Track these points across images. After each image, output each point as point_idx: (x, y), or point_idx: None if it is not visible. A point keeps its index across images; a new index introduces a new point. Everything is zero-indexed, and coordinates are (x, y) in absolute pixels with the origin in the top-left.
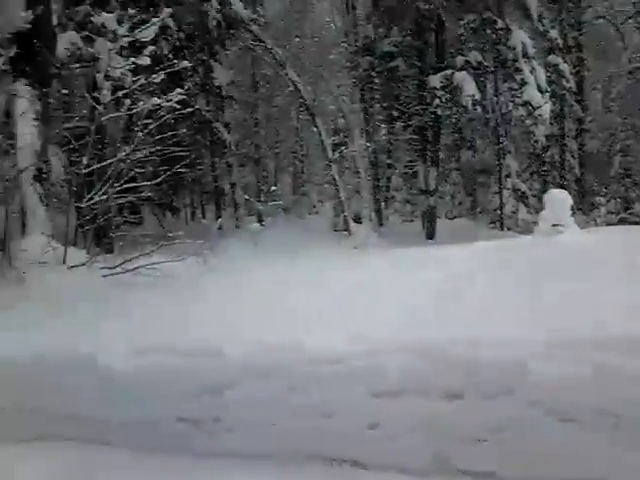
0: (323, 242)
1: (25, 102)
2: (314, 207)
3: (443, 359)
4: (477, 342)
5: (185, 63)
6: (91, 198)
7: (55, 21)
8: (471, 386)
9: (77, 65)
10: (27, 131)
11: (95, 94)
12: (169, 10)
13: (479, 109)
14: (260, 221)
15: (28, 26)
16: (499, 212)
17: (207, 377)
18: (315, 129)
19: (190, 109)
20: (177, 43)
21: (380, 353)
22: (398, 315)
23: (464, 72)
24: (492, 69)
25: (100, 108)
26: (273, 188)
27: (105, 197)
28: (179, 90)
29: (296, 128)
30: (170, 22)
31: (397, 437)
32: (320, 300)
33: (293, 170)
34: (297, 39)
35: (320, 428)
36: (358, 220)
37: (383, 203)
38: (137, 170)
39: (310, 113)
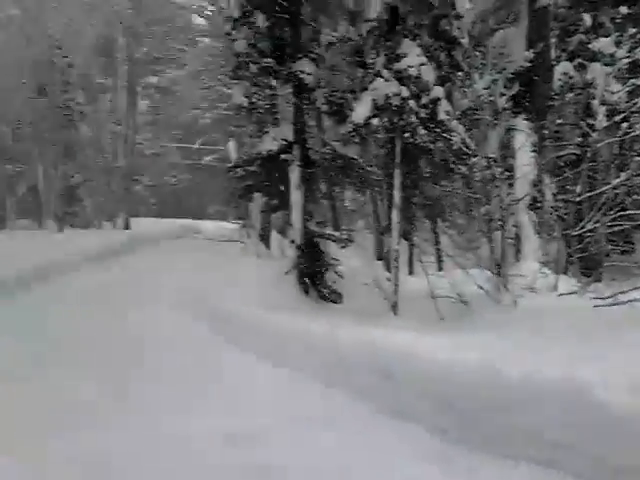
0: None
1: (523, 135)
2: None
3: None
4: None
5: None
6: (582, 227)
7: (553, 54)
8: None
9: (569, 94)
10: (525, 162)
11: (589, 121)
12: None
13: None
14: None
15: (528, 64)
16: None
17: None
18: None
19: None
20: None
21: None
22: None
23: None
24: None
25: (594, 135)
26: None
27: (597, 225)
28: None
29: None
30: None
31: None
32: None
33: None
34: None
35: None
36: None
37: None
38: (631, 196)
39: None
